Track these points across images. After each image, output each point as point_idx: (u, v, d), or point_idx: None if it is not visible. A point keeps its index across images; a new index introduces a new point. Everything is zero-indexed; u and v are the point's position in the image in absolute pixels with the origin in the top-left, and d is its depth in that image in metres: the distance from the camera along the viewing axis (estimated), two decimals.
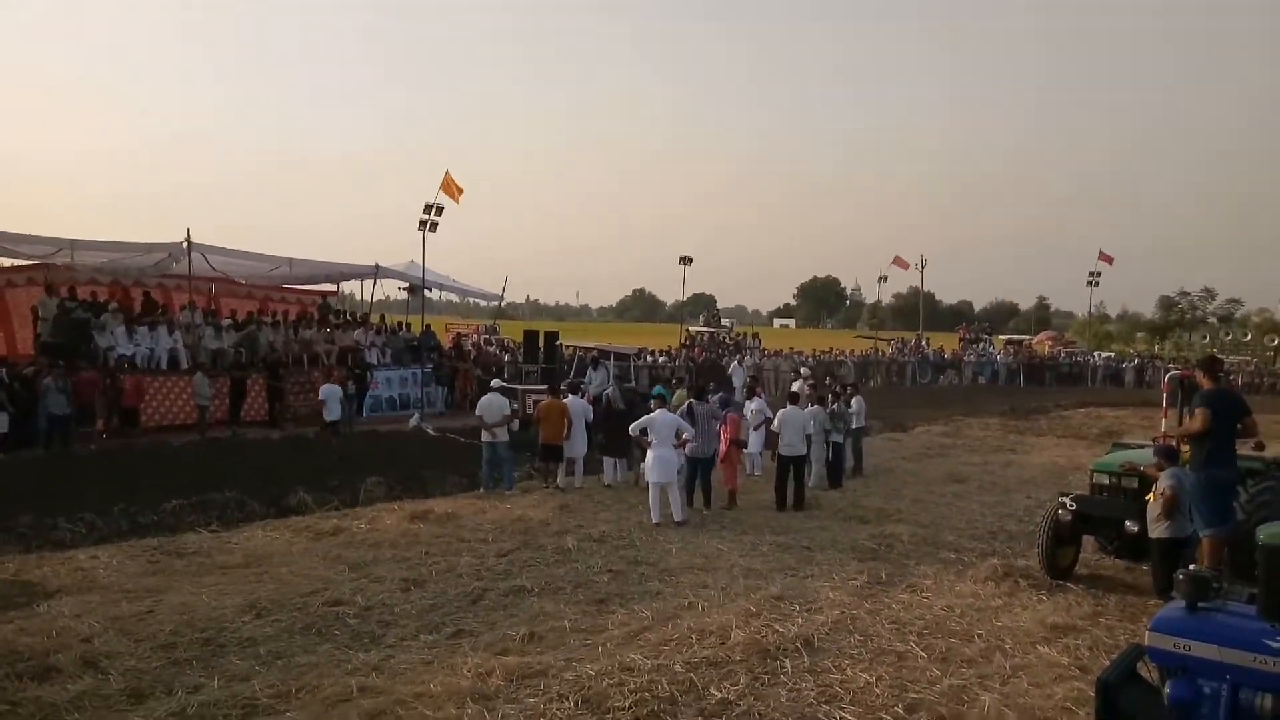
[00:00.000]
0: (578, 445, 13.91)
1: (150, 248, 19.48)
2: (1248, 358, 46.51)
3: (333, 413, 17.33)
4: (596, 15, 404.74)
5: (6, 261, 19.44)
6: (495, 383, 15.04)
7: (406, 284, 26.89)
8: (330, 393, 17.43)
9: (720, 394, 15.45)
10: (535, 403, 15.81)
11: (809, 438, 12.98)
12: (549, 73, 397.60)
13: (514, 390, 19.15)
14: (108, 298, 19.90)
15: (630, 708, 5.67)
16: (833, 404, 14.93)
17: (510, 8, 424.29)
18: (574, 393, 14.95)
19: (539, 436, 13.81)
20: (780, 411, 13.02)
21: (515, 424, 14.83)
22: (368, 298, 28.51)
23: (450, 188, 22.60)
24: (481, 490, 13.18)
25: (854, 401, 15.74)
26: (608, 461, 14.46)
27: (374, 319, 26.70)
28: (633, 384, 21.65)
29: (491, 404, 13.65)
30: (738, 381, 22.63)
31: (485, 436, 13.46)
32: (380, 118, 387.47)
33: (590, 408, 14.89)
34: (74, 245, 18.60)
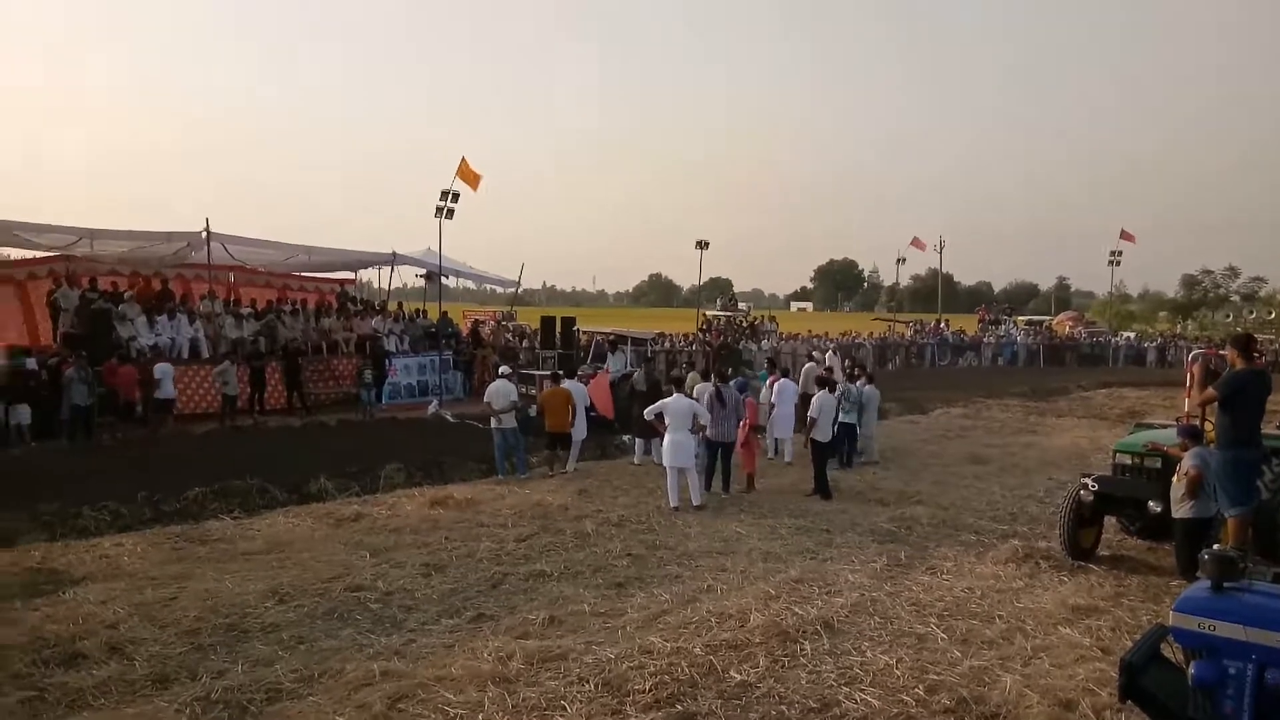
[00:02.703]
0: (577, 429, 13.94)
1: (169, 237, 19.64)
2: (1272, 336, 45.87)
3: (165, 391, 16.84)
4: (618, 5, 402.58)
5: (28, 253, 19.62)
6: (503, 369, 14.98)
7: (424, 271, 26.98)
8: (164, 371, 16.93)
9: (738, 379, 15.37)
10: None
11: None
12: (569, 58, 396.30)
13: (532, 376, 19.18)
14: (127, 288, 20.06)
15: (650, 690, 5.68)
16: (846, 384, 14.80)
17: None
18: (571, 377, 14.88)
19: (544, 425, 13.81)
20: (817, 397, 12.91)
21: (534, 410, 14.84)
22: (385, 285, 28.69)
23: (468, 175, 22.60)
24: (499, 477, 13.21)
25: (867, 389, 15.47)
26: (638, 443, 14.51)
27: (392, 306, 26.82)
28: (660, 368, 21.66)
29: (499, 390, 13.57)
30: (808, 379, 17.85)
31: (493, 423, 13.45)
32: (399, 104, 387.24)
33: (586, 391, 14.88)
34: (93, 235, 18.74)
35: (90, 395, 15.49)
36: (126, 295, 19.24)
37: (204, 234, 19.23)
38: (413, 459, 13.73)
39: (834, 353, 25.90)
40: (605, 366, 19.34)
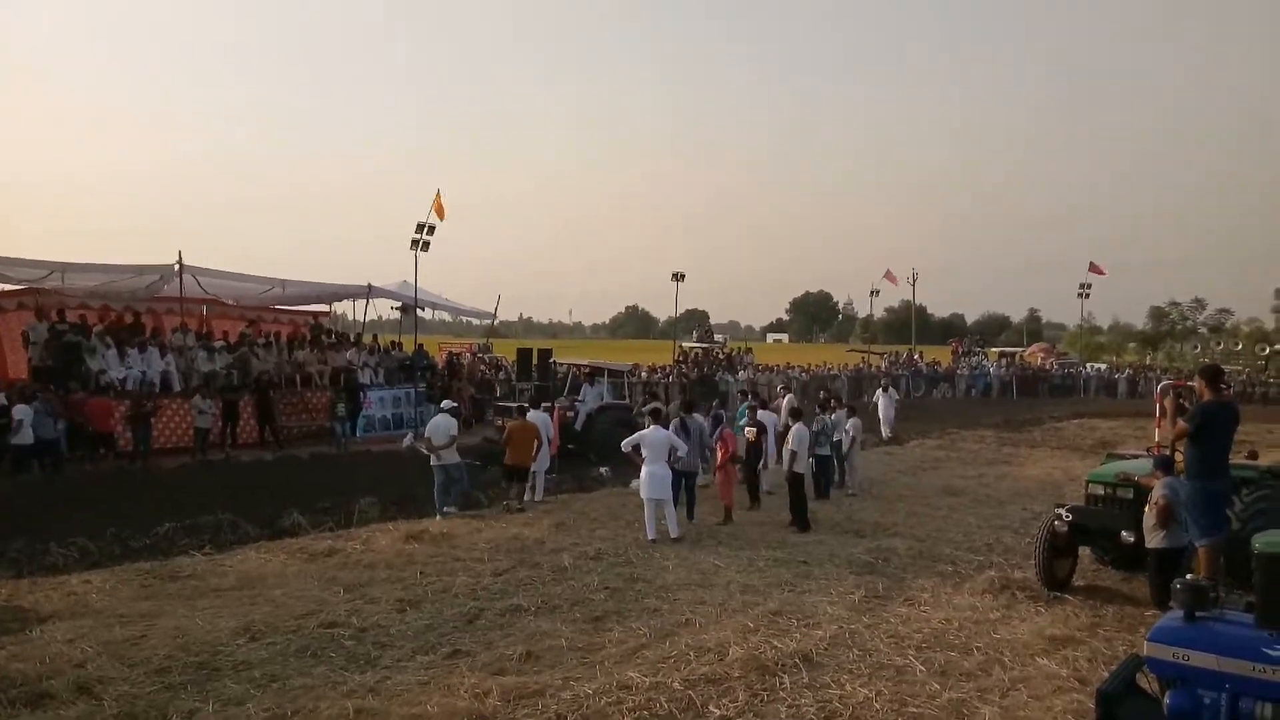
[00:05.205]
0: (540, 461, 13.75)
1: (141, 270, 19.44)
2: (1239, 367, 46.65)
3: (23, 435, 14.42)
4: (591, 34, 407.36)
5: None
6: (445, 403, 14.60)
7: (399, 303, 26.88)
8: (23, 413, 14.48)
9: (718, 411, 15.42)
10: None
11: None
12: (542, 90, 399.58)
13: (509, 409, 19.06)
14: (96, 321, 19.83)
15: None
16: (823, 416, 14.84)
17: (506, 24, 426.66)
18: (534, 408, 14.74)
19: (504, 458, 13.37)
20: (794, 430, 12.94)
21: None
22: (360, 317, 28.54)
23: (440, 207, 22.65)
24: (438, 517, 12.49)
25: (852, 420, 15.54)
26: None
27: (366, 339, 26.66)
28: (627, 401, 21.66)
29: (439, 425, 13.10)
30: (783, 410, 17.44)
31: (434, 460, 12.85)
32: (373, 137, 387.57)
33: (550, 422, 14.75)
34: (65, 269, 18.51)
35: (55, 429, 15.25)
36: (96, 328, 19.04)
37: (176, 266, 19.07)
38: (387, 493, 13.61)
39: (884, 390, 25.14)
40: (578, 398, 19.36)
